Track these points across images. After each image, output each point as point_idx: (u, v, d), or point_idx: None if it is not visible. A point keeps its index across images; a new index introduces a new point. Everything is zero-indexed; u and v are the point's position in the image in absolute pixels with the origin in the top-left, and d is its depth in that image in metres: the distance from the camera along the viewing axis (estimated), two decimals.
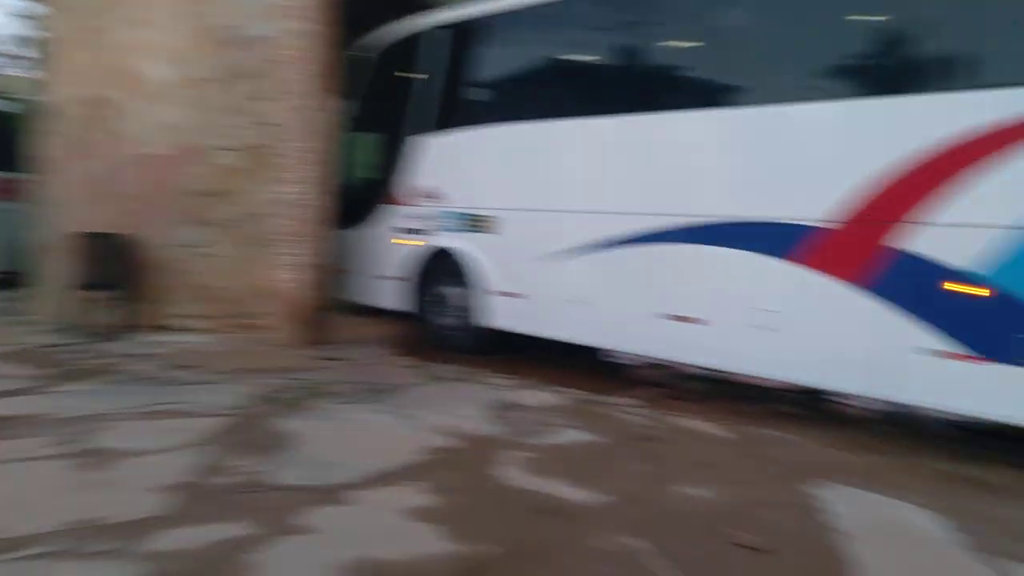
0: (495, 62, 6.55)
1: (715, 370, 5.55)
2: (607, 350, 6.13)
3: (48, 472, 3.49)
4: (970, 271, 3.96)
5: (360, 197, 7.53)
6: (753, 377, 5.27)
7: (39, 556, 2.67)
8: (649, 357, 6.03)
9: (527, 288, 6.09)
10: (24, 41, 13.68)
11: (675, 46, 5.43)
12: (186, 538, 2.85)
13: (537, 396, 5.24)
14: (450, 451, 4.04)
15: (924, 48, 4.27)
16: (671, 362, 5.81)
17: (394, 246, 7.17)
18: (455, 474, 3.70)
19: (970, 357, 3.97)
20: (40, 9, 8.35)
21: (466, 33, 6.67)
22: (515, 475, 3.71)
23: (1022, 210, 3.80)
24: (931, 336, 4.09)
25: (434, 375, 5.83)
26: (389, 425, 4.48)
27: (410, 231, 7.00)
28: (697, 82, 5.34)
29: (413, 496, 3.39)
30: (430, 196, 6.82)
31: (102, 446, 3.84)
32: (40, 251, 8.55)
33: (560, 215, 5.83)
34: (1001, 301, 3.87)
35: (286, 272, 6.58)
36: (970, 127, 3.93)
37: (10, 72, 19.61)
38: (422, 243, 6.90)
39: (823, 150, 4.56)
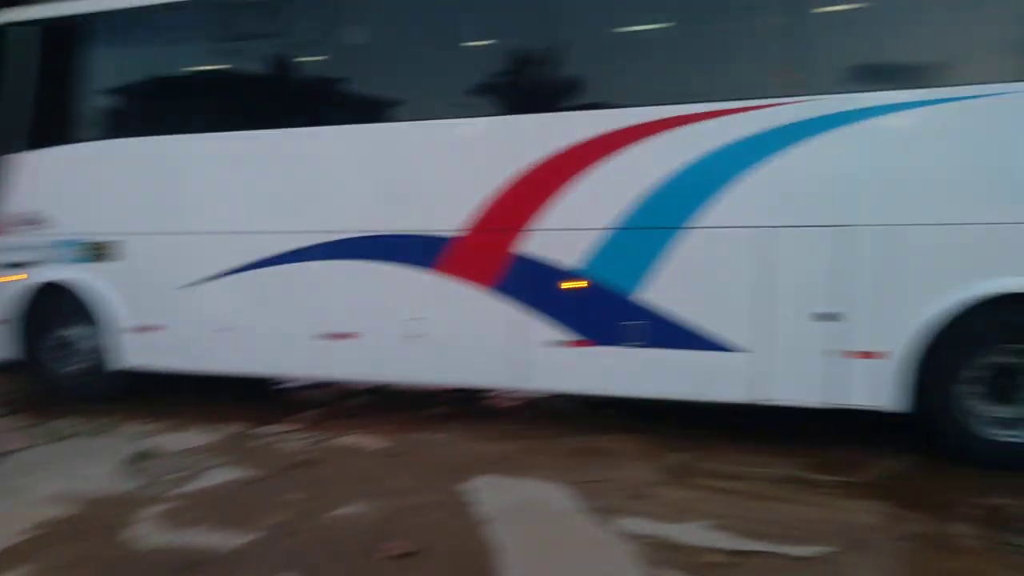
0: (111, 66, 5.75)
1: (375, 383, 5.61)
2: (274, 377, 5.83)
3: None
4: (575, 268, 4.55)
5: None
6: (410, 384, 5.44)
7: None
8: (310, 378, 5.89)
9: (166, 320, 5.49)
10: None
11: (303, 60, 5.35)
12: None
13: (182, 438, 4.77)
14: (67, 521, 3.47)
15: (530, 73, 4.77)
16: (332, 381, 5.74)
17: None
18: (71, 548, 3.18)
19: (583, 343, 4.56)
20: None
21: (71, 32, 5.74)
22: (148, 533, 3.31)
23: (610, 215, 4.46)
24: (552, 329, 4.62)
25: (53, 434, 4.97)
26: None
27: (10, 265, 5.88)
28: (330, 97, 5.30)
29: None
30: (32, 222, 5.78)
31: None
32: None
33: (196, 237, 5.37)
34: (597, 292, 4.52)
35: None
36: (565, 144, 4.50)
37: None
38: (25, 277, 5.82)
39: (452, 165, 4.86)
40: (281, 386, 6.16)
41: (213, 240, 5.35)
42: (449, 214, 4.79)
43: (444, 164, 4.86)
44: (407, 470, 4.12)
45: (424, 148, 4.91)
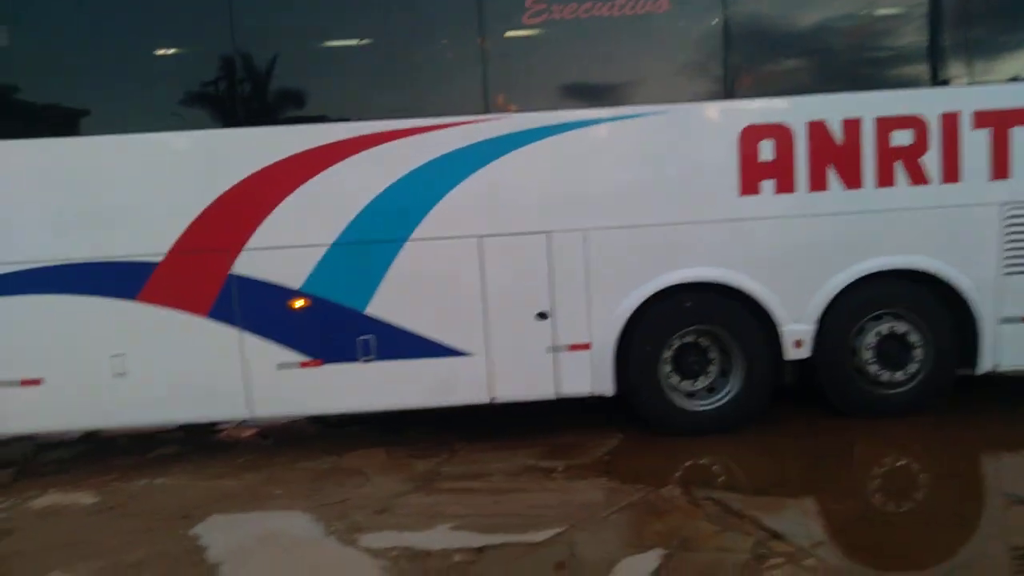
0: None
1: (71, 430, 4.94)
2: None
3: None
4: (296, 287, 4.38)
5: None
6: (123, 428, 4.86)
7: None
8: None
9: None
10: None
11: None
12: None
13: None
14: None
15: (237, 86, 4.47)
16: (21, 435, 4.93)
17: None
18: None
19: (311, 363, 4.42)
20: None
21: None
22: None
23: (328, 230, 4.37)
24: (278, 350, 4.40)
25: None
26: None
27: None
28: (15, 107, 4.53)
29: None
30: None
31: None
32: None
33: None
34: (322, 310, 4.41)
35: None
36: (276, 159, 4.31)
37: None
38: None
39: (155, 183, 4.38)
40: None
41: None
42: (154, 236, 4.34)
43: (145, 181, 4.39)
44: (123, 524, 3.68)
45: (122, 164, 4.40)
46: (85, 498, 4.06)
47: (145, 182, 4.38)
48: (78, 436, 5.20)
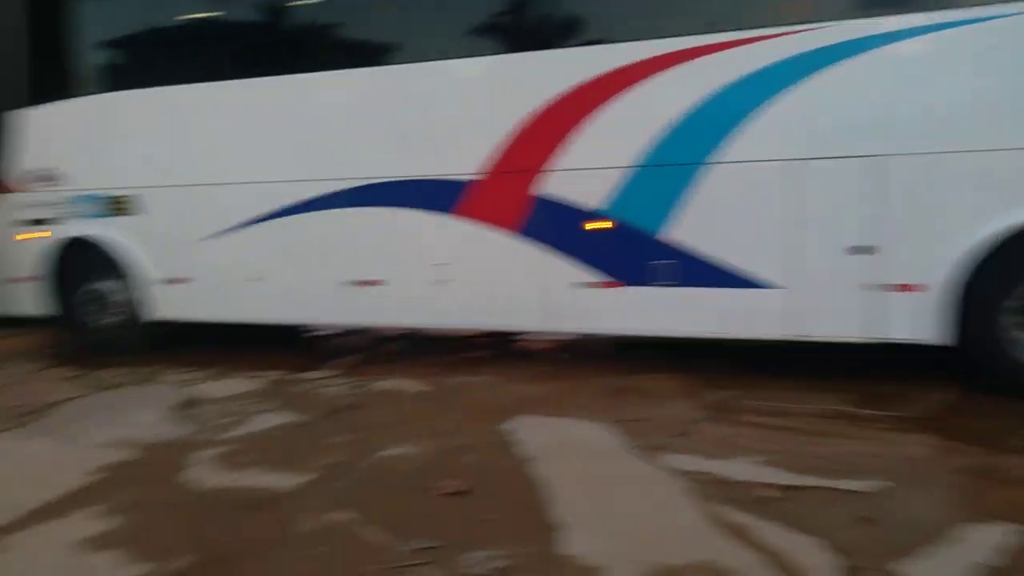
0: (108, 16, 5.64)
1: (405, 328, 5.65)
2: (306, 326, 5.90)
3: None
4: (598, 209, 4.49)
5: None
6: (441, 329, 5.48)
7: None
8: (339, 325, 5.94)
9: (193, 271, 5.53)
10: None
11: (308, 3, 5.21)
12: None
13: (226, 386, 4.86)
14: (126, 465, 3.57)
15: (535, 10, 4.61)
16: (362, 327, 5.79)
17: (17, 242, 6.00)
18: (134, 489, 3.28)
19: (612, 284, 4.54)
20: None
21: None
22: (206, 475, 3.40)
23: (631, 153, 4.37)
24: (580, 270, 4.59)
25: (100, 383, 5.09)
26: (48, 449, 3.83)
27: (33, 222, 5.91)
28: (344, 41, 5.20)
29: (85, 524, 2.94)
30: (46, 179, 5.79)
31: None
32: None
33: (218, 188, 5.35)
34: (623, 232, 4.46)
35: None
36: (578, 82, 4.39)
37: None
38: (49, 234, 5.86)
39: (468, 106, 4.76)
40: (312, 334, 6.22)
41: (230, 191, 5.33)
42: (465, 157, 4.73)
43: (456, 106, 4.78)
44: (448, 412, 4.17)
45: (435, 90, 4.82)
46: (415, 386, 4.67)
47: (462, 106, 4.75)
48: (399, 334, 5.98)
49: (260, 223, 5.28)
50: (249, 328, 5.61)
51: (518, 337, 5.71)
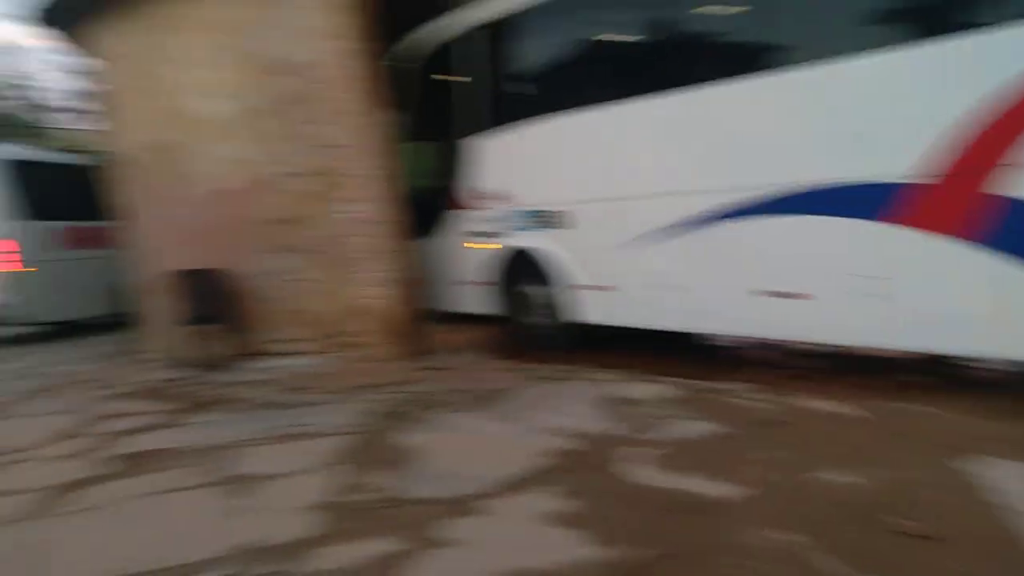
0: (542, 53, 6.47)
1: (823, 345, 5.34)
2: (704, 335, 6.00)
3: (202, 500, 3.65)
4: None
5: (428, 206, 7.59)
6: (867, 348, 5.06)
7: None
8: (752, 338, 5.88)
9: (613, 279, 6.01)
10: (86, 95, 14.48)
11: (730, 12, 5.23)
12: (341, 556, 2.92)
13: (647, 388, 5.15)
14: (572, 453, 4.01)
15: None
16: (776, 341, 5.65)
17: (469, 251, 7.21)
18: (584, 476, 3.66)
19: None
20: (96, 63, 8.77)
21: (507, 28, 6.59)
22: (645, 473, 3.64)
23: None
24: None
25: (536, 376, 5.81)
26: (505, 431, 4.48)
27: (481, 235, 7.02)
28: (757, 46, 5.08)
29: (547, 501, 3.37)
30: (496, 197, 6.81)
31: (242, 472, 3.98)
32: (139, 293, 8.99)
33: (636, 201, 5.71)
34: None
35: (374, 289, 6.69)
36: None
37: (80, 126, 20.95)
38: (496, 245, 6.91)
39: (903, 101, 4.32)
40: (715, 343, 6.26)
41: (649, 203, 5.62)
42: (903, 157, 4.28)
43: (894, 102, 4.35)
44: (889, 441, 3.84)
45: (867, 86, 4.45)
46: (844, 408, 4.39)
47: (900, 102, 4.34)
48: (810, 351, 5.67)
49: (677, 232, 5.48)
50: (646, 334, 5.88)
51: (959, 363, 5.01)
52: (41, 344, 11.46)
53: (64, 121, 21.98)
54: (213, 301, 7.00)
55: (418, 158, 7.83)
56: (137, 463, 4.37)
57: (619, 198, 5.85)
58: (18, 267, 11.05)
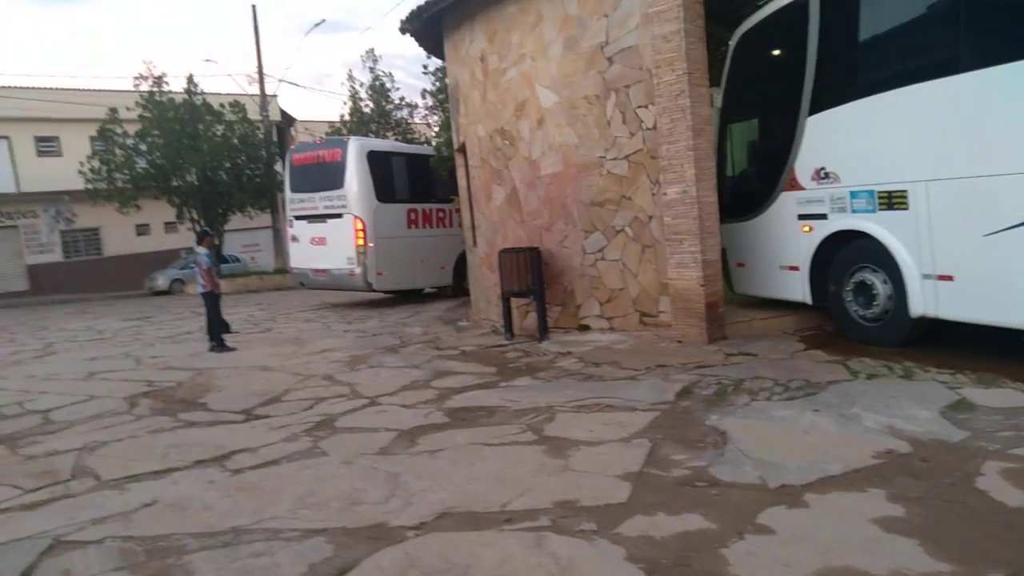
0: (891, 17, 5.72)
1: None
2: None
3: (524, 456, 4.01)
4: None
5: (748, 187, 7.26)
6: None
7: (533, 529, 3.05)
8: None
9: (970, 268, 5.19)
10: (432, 93, 16.42)
11: None
12: (650, 527, 3.00)
13: (999, 395, 4.45)
14: (903, 456, 3.62)
15: None
16: None
17: (790, 234, 6.71)
18: (917, 482, 3.29)
19: None
20: (449, 62, 9.85)
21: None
22: (989, 485, 3.17)
23: None
24: None
25: (860, 370, 5.33)
26: (824, 424, 4.20)
27: (810, 216, 6.50)
28: None
29: (873, 503, 3.10)
30: (828, 176, 6.25)
31: (557, 435, 4.30)
32: (469, 268, 10.09)
33: (1000, 180, 4.85)
34: None
35: (682, 270, 6.66)
36: None
37: (421, 121, 23.78)
38: (824, 228, 6.35)
39: None
40: None
41: (1014, 183, 4.74)
42: None
43: None
44: None
45: None
46: None
47: None
48: None
49: None
50: (988, 330, 5.08)
51: None
52: (384, 308, 13.50)
53: (408, 116, 25.23)
54: (530, 277, 7.59)
55: (740, 137, 7.57)
56: (467, 416, 4.95)
57: (975, 176, 5.02)
58: (368, 243, 13.07)
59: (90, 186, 22.83)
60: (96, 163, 22.77)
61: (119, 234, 28.46)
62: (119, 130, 22.87)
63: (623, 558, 2.74)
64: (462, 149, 9.75)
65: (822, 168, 6.28)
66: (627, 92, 6.86)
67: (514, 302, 7.93)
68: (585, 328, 7.50)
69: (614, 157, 7.05)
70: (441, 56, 11.05)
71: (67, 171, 24.08)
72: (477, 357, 7.19)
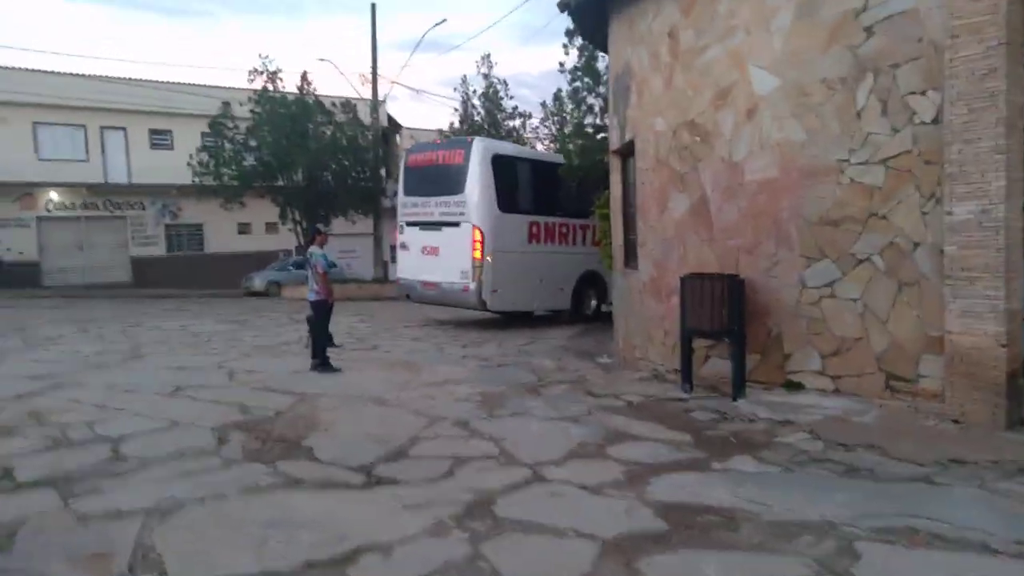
0: None
1: None
2: None
3: None
4: None
5: None
6: None
7: None
8: None
9: None
10: (579, 92, 14.84)
11: None
12: None
13: None
14: None
15: None
16: None
17: None
18: None
19: None
20: (613, 52, 8.24)
21: None
22: None
23: None
24: None
25: None
26: None
27: None
28: None
29: None
30: None
31: None
32: (623, 292, 8.35)
33: None
34: None
35: (970, 321, 4.74)
36: None
37: (547, 126, 22.46)
38: None
39: None
40: None
41: None
42: None
43: None
44: None
45: None
46: None
47: None
48: None
49: None
50: None
51: None
52: (497, 330, 11.93)
53: (520, 127, 24.04)
54: (731, 314, 5.80)
55: None
56: (695, 523, 3.27)
57: None
58: (485, 256, 11.54)
59: (197, 179, 22.52)
60: (205, 156, 22.48)
61: (221, 232, 28.24)
62: (230, 124, 22.53)
63: None
64: (623, 150, 8.10)
65: None
66: (893, 73, 5.04)
67: (696, 342, 6.18)
68: (795, 386, 5.66)
69: (863, 161, 5.22)
70: (598, 41, 9.49)
71: (177, 165, 23.91)
72: (652, 414, 5.48)
